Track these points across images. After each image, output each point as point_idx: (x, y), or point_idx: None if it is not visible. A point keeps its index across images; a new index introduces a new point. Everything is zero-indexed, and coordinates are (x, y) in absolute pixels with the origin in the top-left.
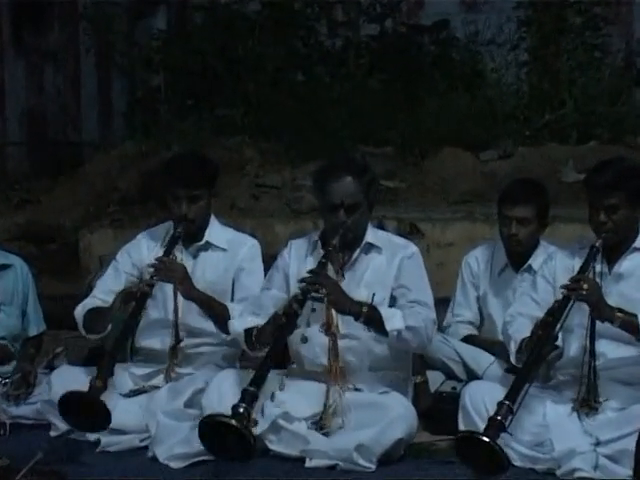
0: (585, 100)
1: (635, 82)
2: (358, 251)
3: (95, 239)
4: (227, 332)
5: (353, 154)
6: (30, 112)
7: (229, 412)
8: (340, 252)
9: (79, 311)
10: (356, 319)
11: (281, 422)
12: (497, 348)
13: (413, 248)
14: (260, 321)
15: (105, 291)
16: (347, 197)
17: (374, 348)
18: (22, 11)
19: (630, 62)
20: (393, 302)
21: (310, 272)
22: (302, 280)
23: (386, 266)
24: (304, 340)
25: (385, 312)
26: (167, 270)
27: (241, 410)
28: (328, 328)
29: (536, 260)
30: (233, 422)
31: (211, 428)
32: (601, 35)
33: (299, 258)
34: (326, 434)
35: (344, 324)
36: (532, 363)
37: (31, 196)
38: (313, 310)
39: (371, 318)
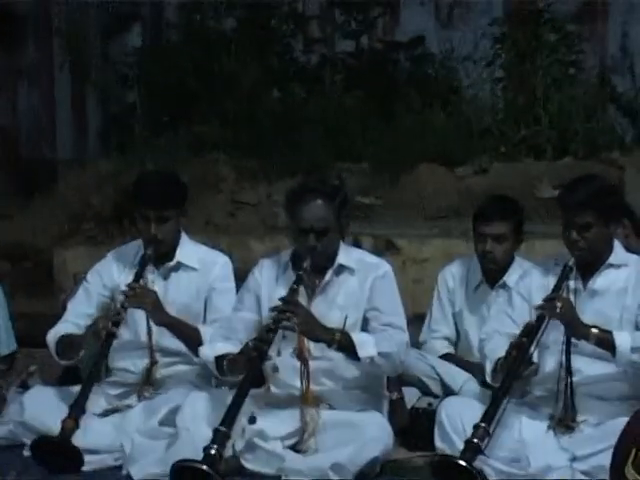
0: (560, 116)
1: (609, 98)
2: (330, 273)
3: (69, 256)
4: (199, 355)
5: (327, 172)
6: (3, 129)
7: (202, 432)
8: (311, 275)
9: (51, 337)
10: (329, 346)
11: (257, 441)
12: (474, 369)
13: (385, 267)
14: (231, 347)
15: (77, 314)
16: (317, 221)
17: (347, 369)
18: None
19: (604, 78)
20: (365, 324)
21: (282, 300)
22: (274, 309)
23: (358, 288)
24: (275, 369)
25: (357, 338)
26: (138, 297)
27: (212, 452)
28: (300, 354)
29: (511, 276)
30: (205, 468)
31: (184, 471)
32: (575, 52)
33: (270, 279)
34: (301, 453)
35: (316, 347)
36: (507, 385)
37: (4, 213)
38: (284, 337)
39: (343, 345)
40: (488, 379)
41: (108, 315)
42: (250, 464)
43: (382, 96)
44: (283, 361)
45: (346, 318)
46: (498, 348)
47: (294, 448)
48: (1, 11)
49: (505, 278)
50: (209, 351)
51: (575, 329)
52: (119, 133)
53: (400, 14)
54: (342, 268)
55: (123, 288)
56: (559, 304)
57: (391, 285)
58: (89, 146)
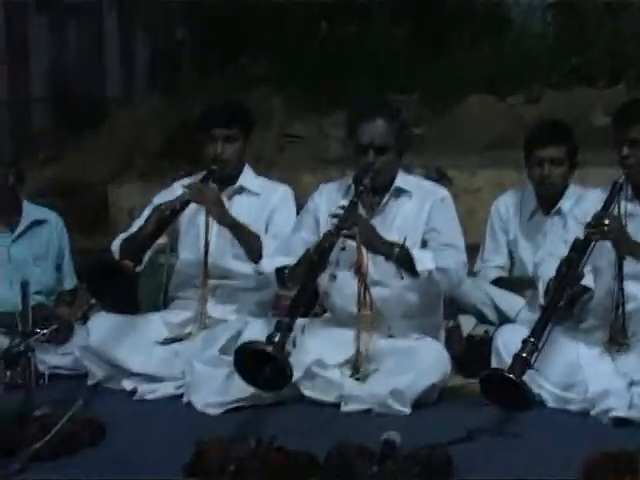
0: (613, 43)
1: None
2: (388, 196)
3: (123, 193)
4: (258, 261)
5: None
6: (53, 68)
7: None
8: (370, 195)
9: (115, 244)
10: (387, 259)
11: (315, 369)
12: (525, 286)
13: (444, 192)
14: (290, 262)
15: (138, 224)
16: (377, 138)
17: (406, 295)
18: None
19: None
20: (424, 246)
21: (342, 208)
22: (334, 215)
23: (417, 211)
24: (333, 278)
25: (416, 253)
26: (201, 193)
27: (276, 339)
28: (358, 268)
29: (566, 203)
30: (269, 349)
31: (246, 356)
32: None
33: (330, 201)
34: (360, 380)
35: (376, 271)
36: (556, 300)
37: (57, 152)
38: (343, 249)
39: (402, 258)
40: (541, 300)
41: (171, 201)
42: (309, 392)
43: (431, 27)
44: (341, 273)
45: (404, 239)
46: (551, 270)
47: (352, 376)
48: None
49: (560, 204)
50: (269, 264)
51: (624, 247)
52: (168, 70)
53: None
54: (400, 191)
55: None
56: (607, 221)
57: (449, 209)
58: (138, 84)
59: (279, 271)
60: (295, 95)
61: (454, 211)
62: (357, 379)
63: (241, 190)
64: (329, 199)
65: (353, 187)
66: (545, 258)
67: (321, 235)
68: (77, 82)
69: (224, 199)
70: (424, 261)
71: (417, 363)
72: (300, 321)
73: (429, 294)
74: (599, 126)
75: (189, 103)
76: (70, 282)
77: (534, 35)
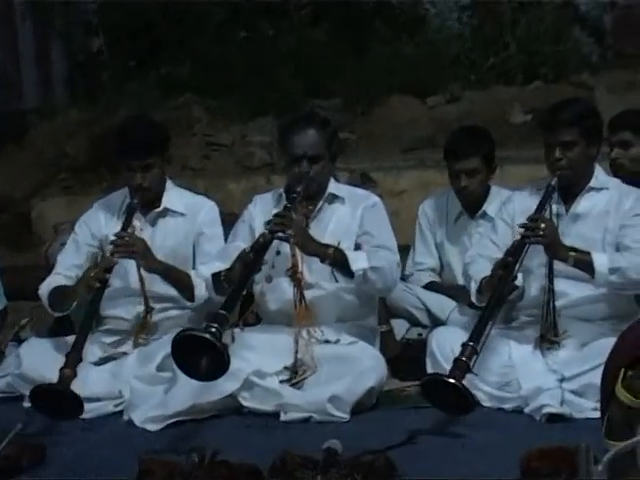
0: (528, 40)
1: (574, 18)
2: (322, 202)
3: (47, 207)
4: (191, 300)
5: (300, 109)
6: None
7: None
8: (304, 202)
9: (43, 291)
10: (322, 261)
11: (253, 379)
12: (458, 292)
13: (375, 198)
14: (225, 267)
15: (67, 266)
16: (310, 148)
17: (341, 298)
18: None
19: None
20: (357, 250)
21: (276, 215)
22: (268, 222)
23: (350, 216)
24: (269, 279)
25: (350, 254)
26: (127, 246)
27: (213, 330)
28: (294, 272)
29: (490, 205)
30: (207, 336)
31: (183, 345)
32: None
33: (263, 212)
34: (298, 388)
35: (310, 274)
36: (494, 303)
37: None
38: (278, 253)
39: (336, 259)
40: (473, 299)
41: (98, 264)
42: (248, 402)
43: (350, 29)
44: (276, 274)
45: (338, 243)
46: (482, 270)
47: (290, 382)
48: None
49: (484, 207)
50: (206, 270)
51: (555, 251)
52: (87, 80)
53: None
54: (333, 197)
55: (112, 237)
56: (542, 225)
57: (381, 213)
58: (57, 95)
59: (214, 276)
60: (217, 103)
61: (385, 215)
62: (294, 385)
63: (165, 212)
64: (263, 209)
65: (284, 196)
66: (475, 258)
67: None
68: None
69: (147, 225)
70: (358, 261)
71: (353, 367)
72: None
73: (363, 296)
74: (518, 124)
75: (110, 113)
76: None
77: (451, 35)
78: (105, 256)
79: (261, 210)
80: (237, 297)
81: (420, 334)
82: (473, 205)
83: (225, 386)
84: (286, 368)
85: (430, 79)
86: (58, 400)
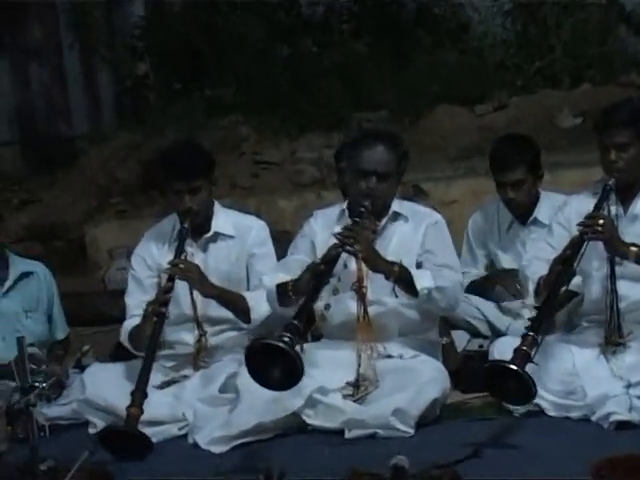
0: (574, 43)
1: (619, 18)
2: (385, 219)
3: (101, 232)
4: (248, 322)
5: (348, 123)
6: (19, 111)
7: (264, 391)
8: (371, 218)
9: (124, 336)
10: (387, 278)
11: (317, 396)
12: (488, 283)
13: (437, 216)
14: (289, 278)
15: (136, 305)
16: (380, 165)
17: (402, 313)
18: None
19: None
20: (419, 268)
21: (345, 228)
22: (338, 234)
23: (412, 234)
24: (335, 292)
25: (415, 272)
26: (183, 272)
27: (286, 339)
28: (359, 287)
29: (541, 211)
30: (281, 344)
31: (257, 356)
32: None
33: (324, 227)
34: (361, 403)
35: (373, 290)
36: (553, 296)
37: (31, 195)
38: (345, 267)
39: (402, 277)
40: (532, 300)
41: (155, 298)
42: (312, 420)
43: (392, 40)
44: (342, 287)
45: (401, 262)
46: (539, 271)
47: (353, 397)
48: None
49: (535, 214)
50: (270, 280)
51: (615, 247)
52: (134, 104)
53: None
54: (396, 215)
55: (166, 266)
56: (600, 221)
57: (443, 232)
58: (105, 120)
59: (279, 286)
60: (264, 121)
61: (448, 233)
62: (357, 400)
63: (216, 237)
64: (325, 225)
65: (347, 212)
66: (532, 261)
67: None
68: (43, 123)
69: (199, 250)
70: (423, 280)
71: (416, 380)
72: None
73: (425, 311)
74: (567, 128)
75: (157, 135)
76: (62, 332)
77: (495, 41)
78: (161, 286)
79: (323, 225)
80: (308, 308)
81: (481, 345)
82: (523, 213)
83: (289, 403)
84: (348, 384)
85: (476, 87)
86: (127, 439)
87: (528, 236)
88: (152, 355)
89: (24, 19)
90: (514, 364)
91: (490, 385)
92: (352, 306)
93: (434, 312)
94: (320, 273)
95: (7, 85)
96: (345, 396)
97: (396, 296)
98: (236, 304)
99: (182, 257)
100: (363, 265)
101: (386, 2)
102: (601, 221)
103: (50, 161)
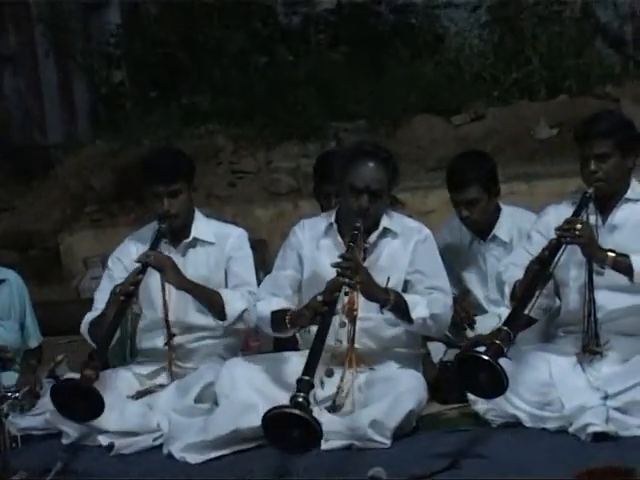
0: (550, 54)
1: (595, 30)
2: (375, 236)
3: (76, 241)
4: (223, 318)
5: (324, 132)
6: None
7: (242, 397)
8: (362, 237)
9: (84, 327)
10: (382, 307)
11: None
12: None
13: (426, 231)
14: (285, 303)
15: (103, 301)
16: (372, 183)
17: (387, 329)
18: None
19: (588, 12)
20: (406, 286)
21: (342, 257)
22: (336, 265)
23: (401, 250)
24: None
25: (410, 300)
26: (155, 262)
27: (300, 400)
28: (350, 312)
29: (501, 228)
30: (298, 412)
31: (273, 422)
32: None
33: (311, 239)
34: (336, 411)
35: (362, 308)
36: (528, 295)
37: (5, 204)
38: (346, 294)
39: (397, 306)
40: (507, 302)
41: (126, 279)
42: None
43: (369, 50)
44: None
45: (388, 279)
46: (516, 276)
47: (331, 409)
48: None
49: (495, 231)
50: (264, 307)
51: (593, 252)
52: (109, 113)
53: None
54: (386, 231)
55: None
56: (578, 226)
57: (432, 248)
58: (80, 128)
59: (275, 314)
60: (240, 130)
61: (436, 249)
62: (332, 409)
63: (195, 242)
64: (311, 236)
65: (335, 226)
66: (509, 266)
67: (305, 274)
68: (18, 131)
69: (178, 255)
70: (418, 308)
71: (393, 390)
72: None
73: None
74: (544, 139)
75: (134, 144)
76: (35, 340)
77: (472, 52)
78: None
79: (310, 237)
80: (318, 357)
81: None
82: (483, 230)
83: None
84: (327, 398)
85: (453, 97)
86: (79, 397)
87: (490, 252)
88: (114, 328)
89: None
90: (487, 355)
91: (462, 377)
92: (335, 324)
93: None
94: (325, 312)
95: None
96: (321, 409)
97: (382, 312)
98: (210, 299)
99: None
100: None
101: (363, 12)
102: (579, 225)
103: (25, 169)
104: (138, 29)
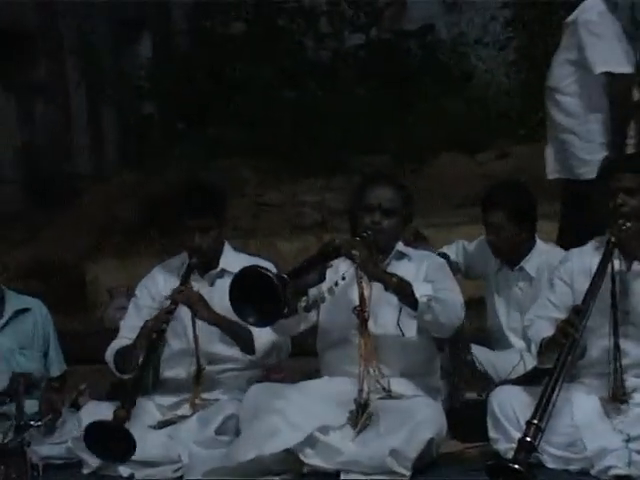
0: None
1: None
2: (390, 258)
3: (100, 271)
4: (252, 353)
5: (350, 167)
6: (23, 147)
7: (265, 427)
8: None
9: (109, 355)
10: (386, 288)
11: (317, 434)
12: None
13: (440, 259)
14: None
15: (130, 329)
16: (384, 201)
17: (406, 351)
18: (6, 46)
19: None
20: None
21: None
22: (335, 240)
23: (415, 272)
24: (331, 292)
25: (415, 283)
26: (185, 298)
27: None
28: (361, 311)
29: (529, 262)
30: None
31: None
32: None
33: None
34: (358, 434)
35: (376, 325)
36: (557, 378)
37: (31, 232)
38: (343, 278)
39: (401, 287)
40: (535, 362)
41: (156, 316)
42: (309, 459)
43: (396, 86)
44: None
45: (401, 308)
46: (542, 331)
47: (351, 428)
48: (12, 30)
49: (523, 263)
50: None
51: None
52: (137, 144)
53: (406, 2)
54: (401, 255)
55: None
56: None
57: (446, 269)
58: (108, 159)
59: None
60: (266, 163)
61: (450, 273)
62: (359, 430)
63: (223, 273)
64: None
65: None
66: (534, 320)
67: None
68: (46, 161)
69: (206, 284)
70: (422, 289)
71: (411, 419)
72: None
73: (428, 350)
74: None
75: (160, 176)
76: (57, 369)
77: (499, 90)
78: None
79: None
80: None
81: (480, 395)
82: (511, 260)
83: (289, 437)
84: (350, 412)
85: (479, 135)
86: (112, 441)
87: (515, 282)
88: (146, 367)
89: (32, 56)
90: (517, 462)
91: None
92: (349, 327)
93: (435, 351)
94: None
95: (12, 122)
96: (343, 435)
97: (402, 333)
98: (239, 334)
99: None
100: (365, 290)
101: (392, 48)
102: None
103: (51, 199)
104: (168, 62)
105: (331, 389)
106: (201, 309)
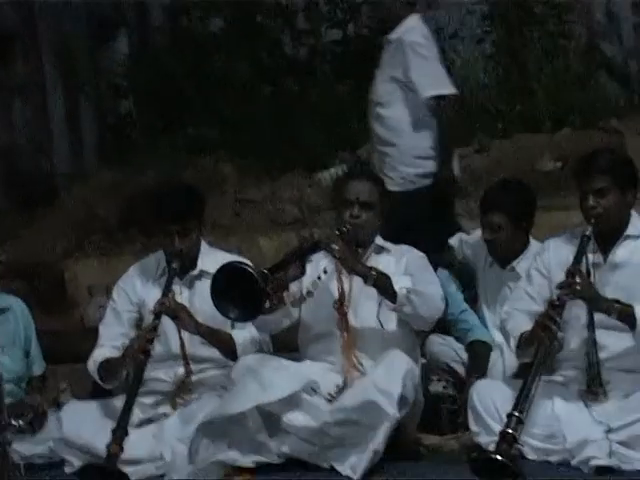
0: (555, 88)
1: (600, 64)
2: (369, 251)
3: (80, 269)
4: (234, 359)
5: (328, 162)
6: (2, 147)
7: (260, 380)
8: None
9: (91, 365)
10: (365, 281)
11: (303, 395)
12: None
13: (419, 252)
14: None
15: (111, 337)
16: (362, 194)
17: (386, 342)
18: None
19: (593, 45)
20: None
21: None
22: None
23: (394, 265)
24: (315, 286)
25: (394, 277)
26: (168, 310)
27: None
28: (340, 305)
29: (521, 262)
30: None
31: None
32: (564, 22)
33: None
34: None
35: (356, 318)
36: (535, 372)
37: (10, 232)
38: (325, 272)
39: (380, 280)
40: (514, 356)
41: (141, 335)
42: (290, 419)
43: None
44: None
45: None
46: (520, 324)
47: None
48: None
49: (514, 263)
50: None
51: (597, 304)
52: (116, 143)
53: None
54: (380, 248)
55: (151, 304)
56: (578, 280)
57: (425, 262)
58: (87, 158)
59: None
60: (246, 160)
61: (430, 266)
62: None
63: (201, 275)
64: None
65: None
66: (512, 313)
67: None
68: (25, 161)
69: (185, 287)
70: (402, 281)
71: (386, 356)
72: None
73: (407, 343)
74: (547, 171)
75: (139, 174)
76: (39, 367)
77: (477, 85)
78: (144, 321)
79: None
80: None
81: (445, 387)
82: (504, 258)
83: (286, 385)
84: (338, 387)
85: (457, 129)
86: (105, 478)
87: (504, 281)
88: (135, 393)
89: (9, 56)
90: (500, 454)
91: (478, 470)
92: (330, 321)
93: (415, 344)
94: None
95: None
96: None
97: (382, 326)
98: (222, 342)
99: (170, 296)
100: (345, 283)
101: (369, 44)
102: (578, 279)
103: (31, 198)
104: (146, 60)
105: (315, 370)
106: (186, 320)
